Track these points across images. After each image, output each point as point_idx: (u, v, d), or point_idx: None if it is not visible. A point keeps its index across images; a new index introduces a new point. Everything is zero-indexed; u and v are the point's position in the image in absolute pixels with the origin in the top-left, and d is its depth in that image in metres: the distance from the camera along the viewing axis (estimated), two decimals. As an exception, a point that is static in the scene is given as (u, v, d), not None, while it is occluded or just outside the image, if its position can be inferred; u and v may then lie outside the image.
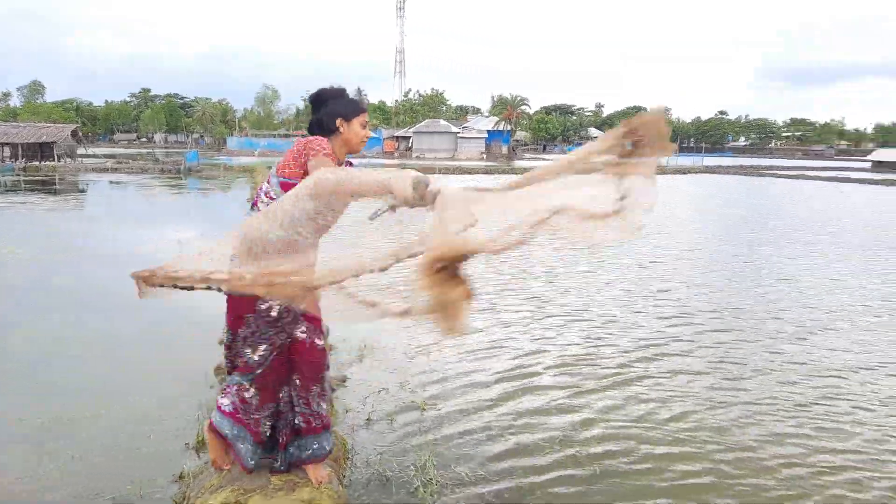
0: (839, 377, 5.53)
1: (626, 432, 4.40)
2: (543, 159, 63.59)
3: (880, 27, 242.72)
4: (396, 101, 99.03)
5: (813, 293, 8.75)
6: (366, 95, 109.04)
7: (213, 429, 3.00)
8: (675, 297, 8.32)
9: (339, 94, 2.87)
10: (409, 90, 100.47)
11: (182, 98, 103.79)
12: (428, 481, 3.61)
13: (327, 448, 3.07)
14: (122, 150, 63.57)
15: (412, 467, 3.81)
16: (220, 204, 21.00)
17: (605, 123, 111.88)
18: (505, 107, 76.62)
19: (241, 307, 2.80)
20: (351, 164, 2.93)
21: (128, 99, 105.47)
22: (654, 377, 5.43)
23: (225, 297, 2.75)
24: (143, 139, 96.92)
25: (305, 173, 2.65)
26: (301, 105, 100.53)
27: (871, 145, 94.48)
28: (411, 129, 70.30)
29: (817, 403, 4.95)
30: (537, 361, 5.77)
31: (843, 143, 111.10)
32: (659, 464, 3.96)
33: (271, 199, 2.70)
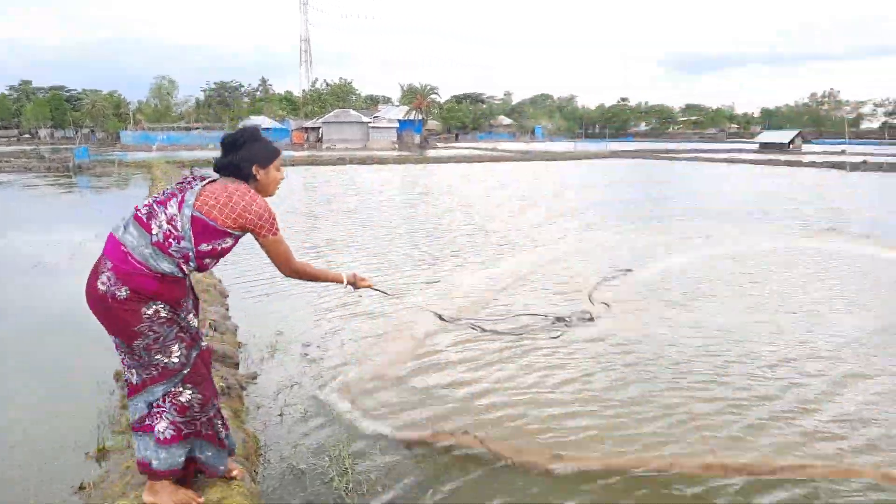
0: (718, 338, 6.01)
1: (522, 398, 4.64)
2: (455, 148, 64.19)
3: (762, 15, 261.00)
4: (304, 91, 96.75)
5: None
6: (271, 86, 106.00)
7: (157, 476, 2.66)
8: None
9: (254, 136, 2.73)
10: (317, 80, 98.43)
11: (69, 90, 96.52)
12: (343, 471, 3.63)
13: (221, 466, 2.91)
14: (2, 148, 58.50)
15: (327, 458, 3.81)
16: (115, 202, 19.79)
17: (515, 111, 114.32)
18: (415, 96, 76.55)
19: (128, 321, 2.49)
20: None
21: (6, 92, 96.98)
22: (548, 347, 5.69)
23: (94, 311, 2.53)
24: (26, 135, 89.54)
25: (241, 228, 2.60)
26: (201, 96, 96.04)
27: (758, 128, 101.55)
28: (321, 120, 68.93)
29: (694, 360, 5.38)
30: (440, 340, 5.94)
31: (734, 127, 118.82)
32: (554, 423, 4.17)
33: (173, 227, 2.49)
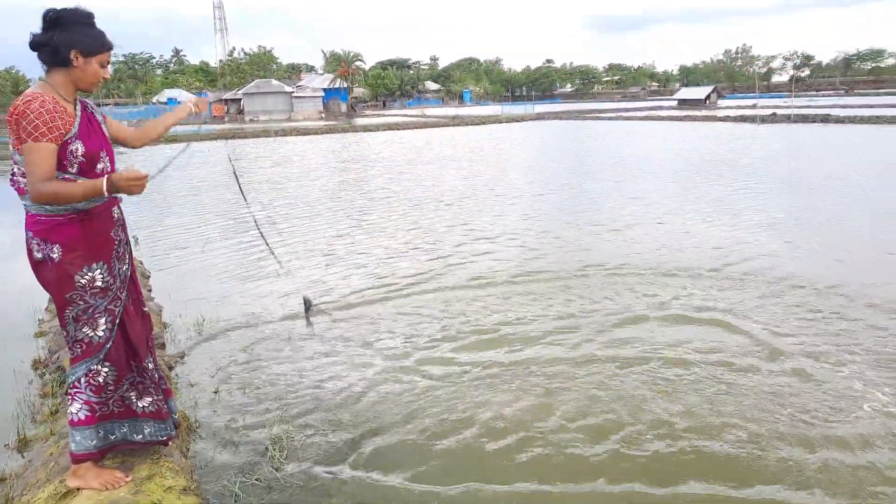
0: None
1: (454, 381, 4.71)
2: (384, 115, 63.34)
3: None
4: (220, 61, 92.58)
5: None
6: (185, 56, 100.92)
7: (78, 459, 2.63)
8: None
9: (83, 19, 2.40)
10: (234, 49, 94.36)
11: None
12: (277, 439, 3.66)
13: (163, 435, 2.94)
14: None
15: (263, 430, 3.83)
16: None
17: (442, 76, 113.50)
18: (339, 63, 74.74)
19: (61, 288, 2.49)
20: (85, 105, 2.58)
21: None
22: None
23: (41, 284, 2.55)
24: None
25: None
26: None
27: (677, 85, 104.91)
28: (241, 91, 66.35)
29: (607, 298, 5.66)
30: (382, 298, 5.99)
31: (654, 85, 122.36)
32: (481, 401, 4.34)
33: (23, 174, 2.40)
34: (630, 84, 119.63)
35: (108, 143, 2.64)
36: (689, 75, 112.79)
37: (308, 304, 5.94)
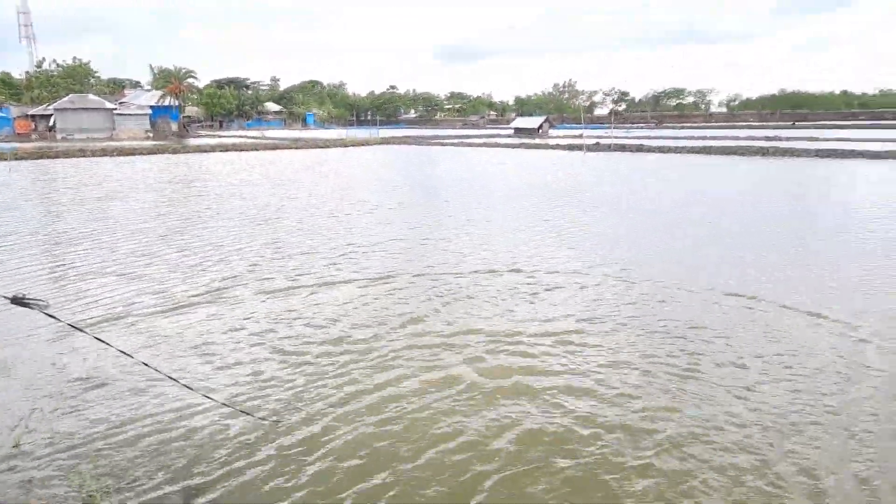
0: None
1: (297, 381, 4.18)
2: (220, 136, 60.01)
3: (506, 13, 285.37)
4: (27, 72, 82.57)
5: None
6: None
7: None
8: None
9: None
10: (44, 60, 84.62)
11: None
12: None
13: None
14: None
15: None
16: None
17: (284, 97, 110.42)
18: (169, 80, 69.79)
19: None
20: None
21: None
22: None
23: None
24: None
25: None
26: None
27: (513, 115, 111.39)
28: (52, 106, 59.42)
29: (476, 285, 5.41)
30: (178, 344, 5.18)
31: (493, 113, 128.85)
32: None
33: None
34: (471, 112, 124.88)
35: None
36: (523, 106, 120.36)
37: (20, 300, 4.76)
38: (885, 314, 6.47)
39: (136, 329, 5.96)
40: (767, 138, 41.31)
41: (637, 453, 3.82)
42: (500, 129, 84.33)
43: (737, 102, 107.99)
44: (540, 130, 65.76)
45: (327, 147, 43.63)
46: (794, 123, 76.01)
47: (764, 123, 79.73)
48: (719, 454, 3.82)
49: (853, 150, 29.10)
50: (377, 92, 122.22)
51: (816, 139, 39.26)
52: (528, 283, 7.69)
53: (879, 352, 5.48)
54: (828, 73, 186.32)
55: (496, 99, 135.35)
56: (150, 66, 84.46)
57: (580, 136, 51.00)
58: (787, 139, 40.03)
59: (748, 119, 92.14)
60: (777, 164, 25.82)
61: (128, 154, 35.52)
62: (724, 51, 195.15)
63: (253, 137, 55.35)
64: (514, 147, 42.70)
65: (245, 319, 6.29)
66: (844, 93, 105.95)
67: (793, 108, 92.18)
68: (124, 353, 4.27)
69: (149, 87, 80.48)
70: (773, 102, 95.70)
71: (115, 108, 61.55)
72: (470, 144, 45.22)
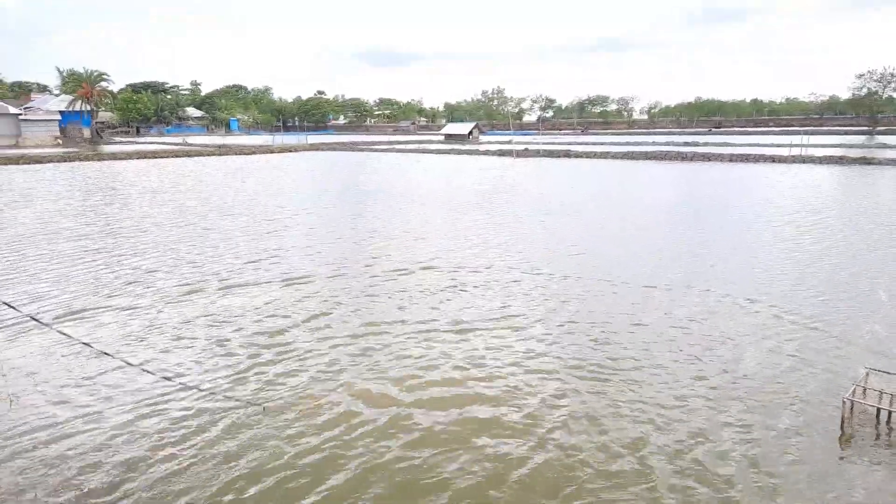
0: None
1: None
2: (137, 143, 57.21)
3: (439, 14, 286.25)
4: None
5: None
6: None
7: None
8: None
9: None
10: (-62, 61, 78.26)
11: None
12: None
13: None
14: None
15: None
16: None
17: (206, 102, 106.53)
18: (80, 84, 65.88)
19: None
20: None
21: None
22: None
23: None
24: None
25: None
26: None
27: (443, 121, 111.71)
28: (-53, 111, 54.92)
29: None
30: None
31: (423, 119, 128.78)
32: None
33: None
34: (401, 118, 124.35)
35: None
36: (454, 112, 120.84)
37: None
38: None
39: None
40: (686, 143, 43.14)
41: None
42: (431, 135, 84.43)
43: (657, 109, 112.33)
44: (470, 136, 66.28)
45: (254, 154, 42.24)
46: (710, 130, 79.82)
47: (683, 130, 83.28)
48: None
49: (762, 155, 31.14)
50: (304, 97, 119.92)
51: (730, 144, 41.43)
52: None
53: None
54: (738, 81, 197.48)
55: (426, 105, 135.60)
56: (58, 68, 79.68)
57: (509, 143, 51.66)
58: (704, 144, 42.00)
59: (668, 126, 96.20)
60: (695, 168, 27.05)
61: (35, 162, 33.18)
62: (642, 59, 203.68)
63: (174, 144, 52.98)
64: (445, 153, 42.69)
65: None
66: (755, 101, 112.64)
67: (708, 115, 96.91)
68: None
69: (57, 92, 75.82)
70: (689, 109, 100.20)
71: (21, 114, 57.57)
72: (402, 150, 44.91)
